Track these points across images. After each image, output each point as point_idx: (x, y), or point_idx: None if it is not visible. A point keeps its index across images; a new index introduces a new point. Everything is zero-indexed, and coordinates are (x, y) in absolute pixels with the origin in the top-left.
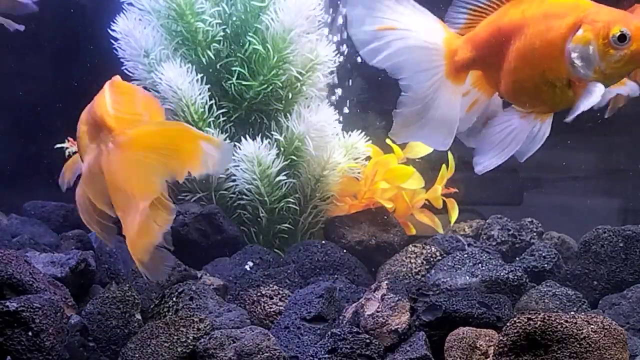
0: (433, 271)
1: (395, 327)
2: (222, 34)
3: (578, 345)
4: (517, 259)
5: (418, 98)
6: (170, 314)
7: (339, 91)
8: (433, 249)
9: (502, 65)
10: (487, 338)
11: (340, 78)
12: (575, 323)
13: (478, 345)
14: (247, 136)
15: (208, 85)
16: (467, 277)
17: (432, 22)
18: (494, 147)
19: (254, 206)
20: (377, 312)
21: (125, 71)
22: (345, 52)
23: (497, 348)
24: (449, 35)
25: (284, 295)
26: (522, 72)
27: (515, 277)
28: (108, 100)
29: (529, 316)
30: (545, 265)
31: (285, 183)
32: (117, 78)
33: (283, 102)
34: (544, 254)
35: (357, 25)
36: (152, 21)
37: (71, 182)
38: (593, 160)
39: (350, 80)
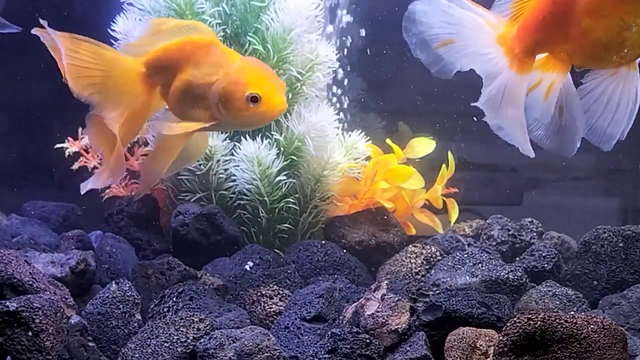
0: (433, 271)
1: (395, 327)
2: (222, 34)
3: (578, 345)
4: (517, 259)
5: (495, 104)
6: (170, 314)
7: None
8: (433, 249)
9: (571, 33)
10: (487, 338)
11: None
12: (575, 323)
13: (478, 345)
14: (247, 136)
15: None
16: (467, 277)
17: (479, 24)
18: (603, 115)
19: (254, 206)
20: (377, 312)
21: None
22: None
23: (497, 348)
24: (501, 31)
25: (284, 295)
26: (598, 29)
27: (515, 277)
28: None
29: (529, 316)
30: (545, 265)
31: (285, 183)
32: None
33: None
34: (544, 254)
35: (417, 48)
36: None
37: None
38: (593, 160)
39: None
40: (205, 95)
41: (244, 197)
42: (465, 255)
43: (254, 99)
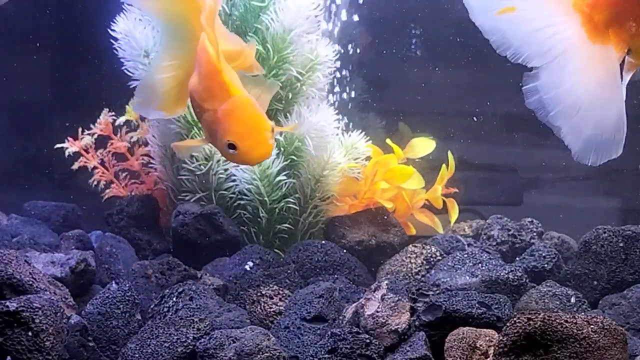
0: (433, 271)
1: (395, 327)
2: None
3: (578, 346)
4: (517, 259)
5: (569, 88)
6: (170, 314)
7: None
8: (433, 249)
9: None
10: (487, 338)
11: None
12: (575, 323)
13: (478, 345)
14: None
15: None
16: (467, 277)
17: None
18: None
19: (254, 206)
20: (377, 312)
21: (125, 71)
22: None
23: (497, 348)
24: None
25: (284, 295)
26: None
27: (515, 277)
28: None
29: (529, 316)
30: (545, 265)
31: (285, 183)
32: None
33: (283, 102)
34: (544, 254)
35: (478, 13)
36: (152, 21)
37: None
38: None
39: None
40: (199, 116)
41: (244, 197)
42: (465, 255)
43: (232, 146)
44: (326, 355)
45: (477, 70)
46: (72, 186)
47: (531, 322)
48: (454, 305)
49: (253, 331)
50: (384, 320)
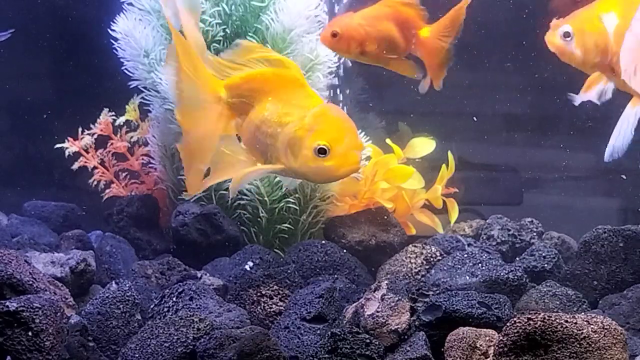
0: (433, 271)
1: (395, 327)
2: (222, 34)
3: (578, 345)
4: (517, 259)
5: None
6: (170, 314)
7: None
8: (433, 249)
9: None
10: (487, 338)
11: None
12: (575, 323)
13: (478, 345)
14: None
15: None
16: (467, 277)
17: None
18: None
19: (254, 206)
20: (377, 312)
21: (125, 71)
22: None
23: (497, 348)
24: None
25: (284, 295)
26: None
27: (515, 277)
28: None
29: (529, 316)
30: (545, 265)
31: None
32: None
33: None
34: (544, 254)
35: None
36: (152, 21)
37: None
38: (593, 160)
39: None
40: (276, 135)
41: (244, 197)
42: (465, 255)
43: (322, 151)
44: (326, 355)
45: (477, 70)
46: (72, 186)
47: (531, 322)
48: (454, 305)
49: (253, 331)
50: (384, 320)
